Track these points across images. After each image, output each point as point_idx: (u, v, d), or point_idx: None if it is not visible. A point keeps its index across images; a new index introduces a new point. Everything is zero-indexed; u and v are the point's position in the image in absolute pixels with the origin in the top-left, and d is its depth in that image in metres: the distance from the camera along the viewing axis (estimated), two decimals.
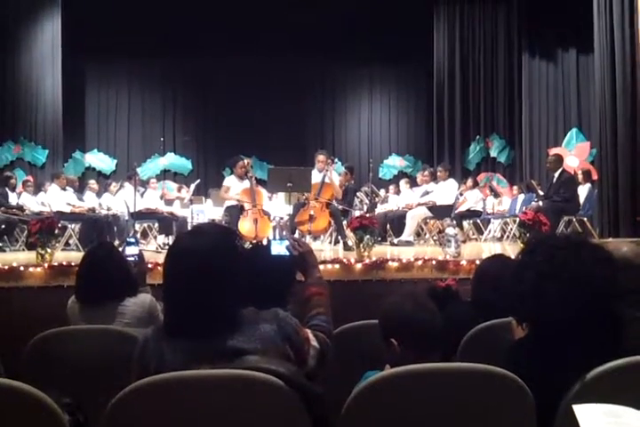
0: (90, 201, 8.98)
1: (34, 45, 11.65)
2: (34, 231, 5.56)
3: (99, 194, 9.65)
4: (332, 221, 7.24)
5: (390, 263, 5.20)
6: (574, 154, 11.58)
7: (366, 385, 1.55)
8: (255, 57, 12.57)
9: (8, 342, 2.58)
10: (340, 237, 7.25)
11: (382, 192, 11.38)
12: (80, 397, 1.75)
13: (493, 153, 12.54)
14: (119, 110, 13.92)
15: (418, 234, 8.65)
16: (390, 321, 1.89)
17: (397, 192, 10.92)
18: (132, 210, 7.74)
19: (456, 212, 8.44)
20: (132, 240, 3.34)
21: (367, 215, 6.74)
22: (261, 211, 7.29)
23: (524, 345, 1.71)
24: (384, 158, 14.38)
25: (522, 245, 5.57)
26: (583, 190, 8.36)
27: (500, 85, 12.47)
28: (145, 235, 9.36)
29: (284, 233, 8.72)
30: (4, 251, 7.49)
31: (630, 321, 1.65)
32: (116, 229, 8.19)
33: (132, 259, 3.07)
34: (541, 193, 8.01)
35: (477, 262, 4.62)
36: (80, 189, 9.79)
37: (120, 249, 3.18)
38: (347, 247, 6.76)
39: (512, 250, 6.12)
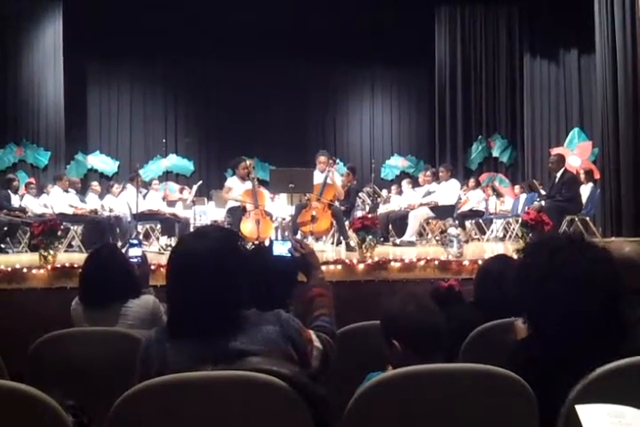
0: (92, 203, 8.98)
1: (36, 47, 11.68)
2: (37, 233, 5.57)
3: (101, 196, 9.64)
4: (335, 222, 7.23)
5: (393, 264, 5.21)
6: (576, 153, 11.57)
7: (369, 386, 1.55)
8: (257, 58, 12.59)
9: (12, 344, 2.57)
10: (342, 238, 7.24)
11: (384, 192, 11.38)
12: (83, 398, 1.75)
13: (495, 153, 12.54)
14: (121, 112, 13.92)
15: (420, 234, 8.64)
16: (392, 322, 1.89)
17: (399, 192, 10.91)
18: (134, 211, 7.75)
19: (458, 212, 8.43)
20: (135, 242, 3.33)
21: (369, 216, 6.73)
22: (264, 212, 7.28)
23: (526, 346, 1.71)
24: (386, 159, 14.39)
25: (524, 244, 5.56)
26: (585, 190, 8.35)
27: (501, 85, 12.47)
28: (147, 236, 9.36)
29: (287, 234, 8.72)
30: (7, 253, 7.52)
31: (633, 321, 1.65)
32: (118, 230, 8.18)
33: (135, 260, 3.06)
34: (543, 193, 8.00)
35: (480, 263, 4.62)
36: (82, 190, 9.79)
37: (123, 251, 3.19)
38: (349, 248, 6.75)
39: (514, 250, 6.11)
